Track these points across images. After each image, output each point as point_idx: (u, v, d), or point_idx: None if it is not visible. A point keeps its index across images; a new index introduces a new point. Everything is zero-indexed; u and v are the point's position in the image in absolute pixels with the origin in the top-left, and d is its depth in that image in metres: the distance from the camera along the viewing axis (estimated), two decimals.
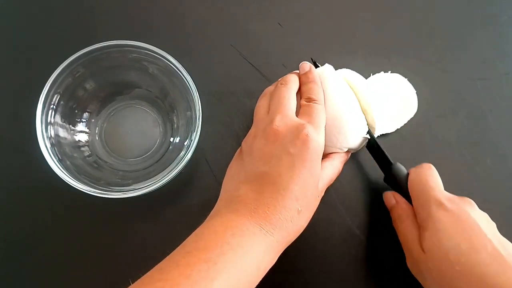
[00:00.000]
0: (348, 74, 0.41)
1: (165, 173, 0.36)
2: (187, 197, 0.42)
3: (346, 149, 0.39)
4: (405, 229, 0.37)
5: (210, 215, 0.33)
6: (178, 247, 0.30)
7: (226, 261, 0.28)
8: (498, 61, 0.48)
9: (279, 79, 0.42)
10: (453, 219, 0.34)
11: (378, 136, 0.42)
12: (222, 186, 0.36)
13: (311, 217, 0.34)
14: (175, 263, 0.29)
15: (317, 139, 0.34)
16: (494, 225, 0.35)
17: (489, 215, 0.35)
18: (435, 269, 0.33)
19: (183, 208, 0.41)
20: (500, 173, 0.44)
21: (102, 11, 0.47)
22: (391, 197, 0.39)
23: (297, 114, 0.36)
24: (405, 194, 0.38)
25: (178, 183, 0.41)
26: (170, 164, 0.37)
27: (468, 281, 0.32)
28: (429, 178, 0.36)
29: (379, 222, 0.41)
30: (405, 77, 0.46)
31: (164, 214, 0.41)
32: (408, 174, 0.38)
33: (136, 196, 0.35)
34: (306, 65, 0.40)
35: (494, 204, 0.42)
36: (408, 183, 0.37)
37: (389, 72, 0.46)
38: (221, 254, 0.28)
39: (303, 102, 0.37)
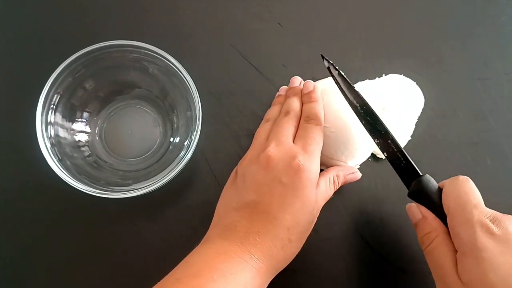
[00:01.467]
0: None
1: (165, 173, 0.36)
2: (187, 197, 0.42)
3: (350, 163, 0.39)
4: (437, 251, 0.31)
5: (202, 240, 0.33)
6: (169, 274, 0.30)
7: (216, 287, 0.28)
8: (498, 61, 0.48)
9: (277, 95, 0.43)
10: (502, 246, 0.28)
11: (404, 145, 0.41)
12: (216, 210, 0.36)
13: (303, 243, 0.34)
14: None
15: (309, 168, 0.33)
16: None
17: None
18: None
19: (183, 208, 0.41)
20: (500, 173, 0.44)
21: (102, 11, 0.47)
22: (417, 211, 0.34)
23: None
24: (435, 210, 0.33)
25: (178, 183, 0.41)
26: (170, 164, 0.37)
27: None
28: (469, 193, 0.31)
29: (380, 222, 0.41)
30: (403, 76, 0.45)
31: (164, 214, 0.41)
32: (439, 187, 0.33)
33: (136, 196, 0.35)
34: (310, 85, 0.40)
35: (494, 204, 0.42)
36: (443, 197, 0.32)
37: (383, 75, 0.45)
38: (211, 281, 0.28)
39: (302, 122, 0.37)
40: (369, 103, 0.36)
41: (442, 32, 0.48)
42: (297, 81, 0.42)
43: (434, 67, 0.47)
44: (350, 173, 0.38)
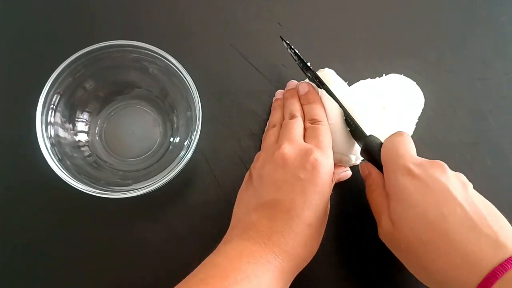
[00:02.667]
0: (330, 77, 0.41)
1: (165, 173, 0.36)
2: (187, 197, 0.42)
3: (351, 155, 0.39)
4: (375, 199, 0.35)
5: (222, 241, 0.33)
6: (192, 273, 0.30)
7: None
8: (498, 61, 0.48)
9: (275, 99, 0.44)
10: (420, 185, 0.31)
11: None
12: (233, 213, 0.36)
13: (321, 240, 0.34)
14: None
15: (326, 163, 0.34)
16: (469, 185, 0.32)
17: None
18: (404, 241, 0.31)
19: (183, 208, 0.41)
20: (500, 173, 0.44)
21: (102, 11, 0.47)
22: (365, 168, 0.37)
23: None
24: (379, 165, 0.36)
25: (178, 183, 0.41)
26: (170, 164, 0.37)
27: (437, 252, 0.29)
28: (398, 145, 0.34)
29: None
30: (403, 76, 0.45)
31: (164, 214, 0.41)
32: (381, 144, 0.36)
33: (136, 196, 0.35)
34: (305, 85, 0.41)
35: (494, 204, 0.42)
36: (381, 152, 0.35)
37: (383, 75, 0.45)
38: (235, 282, 0.28)
39: (307, 124, 0.38)
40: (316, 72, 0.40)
41: (442, 32, 0.48)
42: (293, 84, 0.43)
43: (434, 67, 0.47)
44: (342, 172, 0.41)
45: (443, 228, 0.29)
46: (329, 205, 0.35)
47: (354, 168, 0.41)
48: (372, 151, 0.36)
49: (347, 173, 0.41)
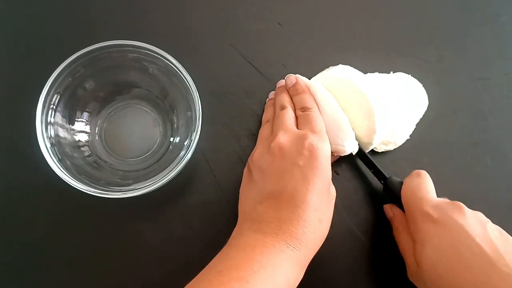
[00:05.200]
0: (349, 75, 0.41)
1: (165, 173, 0.36)
2: (187, 197, 0.42)
3: (347, 146, 0.39)
4: (402, 241, 0.37)
5: (232, 236, 0.34)
6: (207, 266, 0.30)
7: (257, 279, 0.28)
8: (498, 61, 0.48)
9: (268, 99, 0.44)
10: (440, 229, 0.33)
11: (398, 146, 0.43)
12: (239, 209, 0.36)
13: (330, 222, 0.35)
14: (208, 281, 0.29)
15: (322, 146, 0.34)
16: (488, 224, 0.33)
17: (489, 215, 0.34)
18: (428, 281, 0.33)
19: (183, 208, 0.41)
20: (500, 173, 0.44)
21: (102, 11, 0.47)
22: (389, 210, 0.39)
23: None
24: (401, 205, 0.38)
25: (178, 183, 0.41)
26: (170, 164, 0.37)
27: None
28: (417, 188, 0.36)
29: (380, 222, 0.41)
30: (410, 76, 0.45)
31: (164, 214, 0.41)
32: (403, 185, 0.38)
33: (136, 196, 0.35)
34: (292, 78, 0.42)
35: (494, 204, 0.42)
36: (401, 194, 0.37)
37: (391, 72, 0.45)
38: (252, 272, 0.28)
39: (298, 112, 0.39)
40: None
41: (442, 32, 0.48)
42: (282, 82, 0.44)
43: (434, 67, 0.47)
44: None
45: (463, 268, 0.31)
46: (333, 188, 0.36)
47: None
48: (395, 192, 0.38)
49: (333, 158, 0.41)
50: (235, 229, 0.35)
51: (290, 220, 0.31)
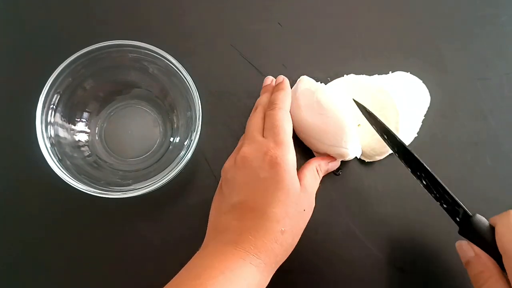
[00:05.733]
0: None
1: (165, 173, 0.36)
2: (187, 197, 0.42)
3: (350, 149, 0.39)
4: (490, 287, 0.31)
5: (199, 249, 0.34)
6: (171, 281, 0.31)
7: (216, 285, 0.28)
8: (498, 61, 0.48)
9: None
10: None
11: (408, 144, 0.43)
12: (209, 218, 0.37)
13: (300, 233, 0.34)
14: None
15: (284, 159, 0.34)
16: None
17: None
18: None
19: (183, 208, 0.41)
20: (500, 173, 0.44)
21: (102, 11, 0.47)
22: (469, 249, 0.33)
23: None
24: (488, 249, 0.32)
25: (178, 183, 0.41)
26: (170, 164, 0.37)
27: None
28: None
29: (379, 222, 0.41)
30: (409, 74, 0.45)
31: (164, 214, 0.41)
32: (490, 226, 0.33)
33: (136, 196, 0.35)
34: (280, 77, 0.41)
35: (494, 204, 0.42)
36: (497, 237, 0.31)
37: (390, 72, 0.45)
38: (210, 278, 0.29)
39: (267, 112, 0.38)
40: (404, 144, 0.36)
41: (442, 32, 0.48)
42: (268, 80, 0.43)
43: (434, 67, 0.47)
44: (330, 162, 0.40)
45: None
46: (309, 200, 0.35)
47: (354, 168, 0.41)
48: (482, 234, 0.32)
49: (336, 163, 0.41)
50: (204, 240, 0.35)
51: (250, 229, 0.32)
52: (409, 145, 0.43)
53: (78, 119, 0.41)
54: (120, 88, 0.43)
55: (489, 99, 0.46)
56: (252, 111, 0.40)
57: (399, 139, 0.36)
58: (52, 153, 0.36)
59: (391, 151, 0.42)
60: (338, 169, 0.42)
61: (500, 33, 0.49)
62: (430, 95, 0.45)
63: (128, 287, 0.40)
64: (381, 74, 0.45)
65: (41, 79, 0.36)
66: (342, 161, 0.42)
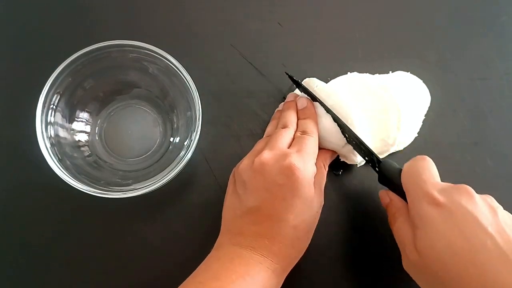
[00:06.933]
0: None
1: (165, 173, 0.36)
2: (187, 197, 0.42)
3: (360, 157, 0.39)
4: (399, 228, 0.34)
5: (214, 247, 0.35)
6: (189, 277, 0.32)
7: None
8: (498, 61, 0.48)
9: (277, 110, 0.44)
10: (446, 215, 0.30)
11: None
12: (222, 217, 0.37)
13: (312, 235, 0.35)
14: None
15: (303, 167, 0.34)
16: (499, 209, 0.30)
17: None
18: (429, 272, 0.30)
19: (183, 208, 0.41)
20: (500, 173, 0.44)
21: (102, 11, 0.47)
22: (386, 196, 0.37)
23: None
24: (400, 191, 0.35)
25: (178, 183, 0.41)
26: (170, 164, 0.37)
27: (465, 285, 0.28)
28: (421, 170, 0.33)
29: (379, 222, 0.41)
30: (409, 73, 0.45)
31: (164, 214, 0.41)
32: (400, 170, 0.35)
33: (136, 196, 0.35)
34: (304, 101, 0.41)
35: None
36: (402, 178, 0.34)
37: (389, 72, 0.45)
38: (230, 282, 0.30)
39: (297, 134, 0.38)
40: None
41: (442, 32, 0.48)
42: (292, 97, 0.43)
43: (434, 67, 0.47)
44: (331, 154, 0.41)
45: (472, 260, 0.28)
46: (317, 199, 0.35)
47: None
48: (391, 177, 0.35)
49: (335, 155, 0.41)
50: (218, 239, 0.35)
51: (267, 235, 0.33)
52: (409, 145, 0.43)
53: (78, 119, 0.41)
54: (120, 88, 0.43)
55: (489, 99, 0.46)
56: (279, 126, 0.40)
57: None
58: (52, 153, 0.36)
59: (391, 151, 0.42)
60: (338, 169, 0.42)
61: (500, 33, 0.49)
62: (430, 95, 0.45)
63: (128, 287, 0.40)
64: (381, 74, 0.45)
65: (41, 79, 0.36)
66: (343, 162, 0.42)
